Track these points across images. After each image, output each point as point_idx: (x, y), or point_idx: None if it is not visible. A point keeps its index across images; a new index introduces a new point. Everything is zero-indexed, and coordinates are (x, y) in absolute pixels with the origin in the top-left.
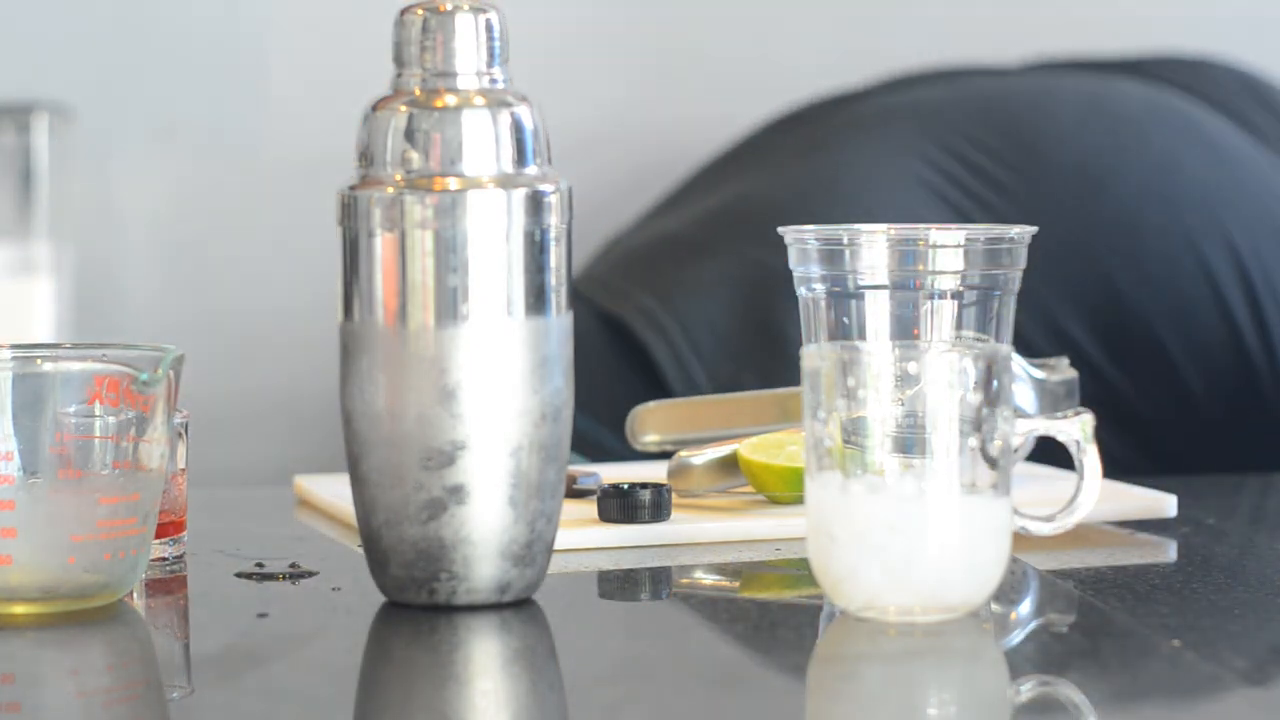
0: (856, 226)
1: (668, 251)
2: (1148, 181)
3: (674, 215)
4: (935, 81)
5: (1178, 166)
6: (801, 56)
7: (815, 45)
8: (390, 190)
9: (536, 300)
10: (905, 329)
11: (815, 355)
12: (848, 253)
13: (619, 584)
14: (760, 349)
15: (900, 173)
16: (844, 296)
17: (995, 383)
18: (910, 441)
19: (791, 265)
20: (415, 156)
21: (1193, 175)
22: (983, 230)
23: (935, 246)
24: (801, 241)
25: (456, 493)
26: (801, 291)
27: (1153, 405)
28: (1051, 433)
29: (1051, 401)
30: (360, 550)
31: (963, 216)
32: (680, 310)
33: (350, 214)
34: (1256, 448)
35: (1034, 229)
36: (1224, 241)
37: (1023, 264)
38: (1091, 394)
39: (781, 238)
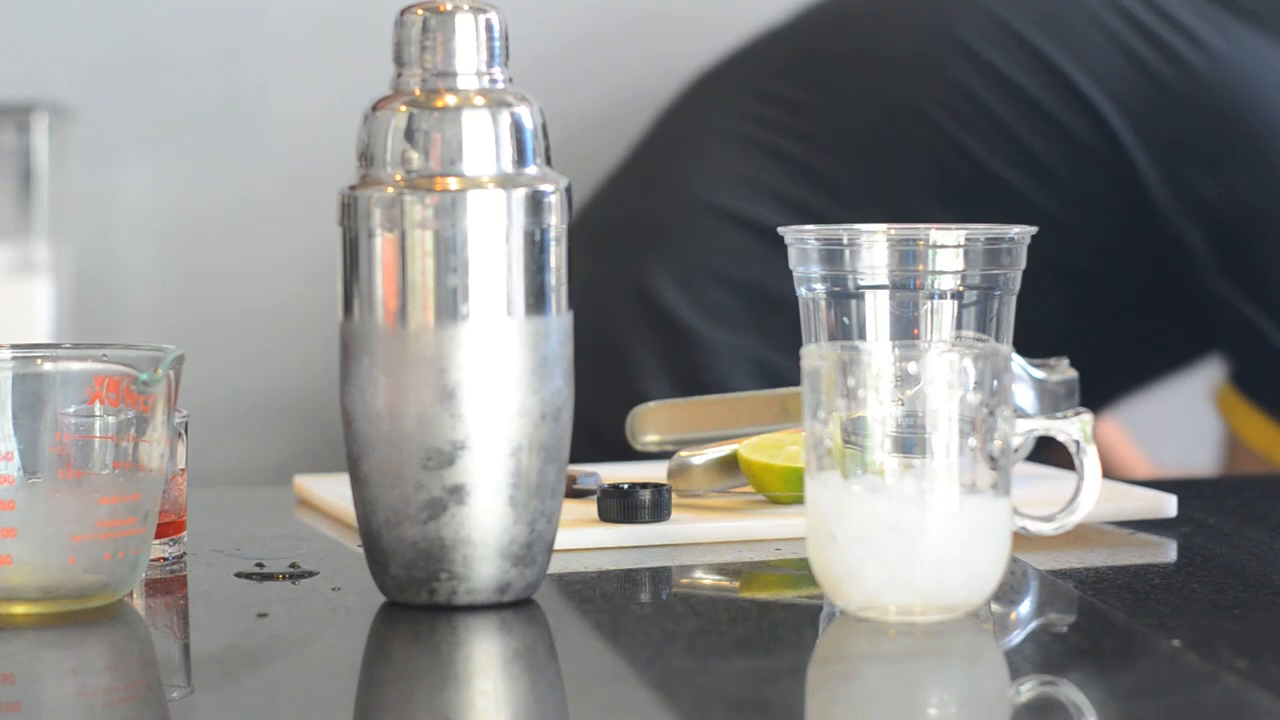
0: (856, 226)
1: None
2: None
3: None
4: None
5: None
6: None
7: None
8: (390, 190)
9: (536, 300)
10: (905, 329)
11: (815, 355)
12: (847, 252)
13: (619, 584)
14: (602, 366)
15: (719, 135)
16: (844, 296)
17: (995, 382)
18: (910, 441)
19: (791, 265)
20: (415, 156)
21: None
22: (983, 230)
23: (935, 246)
24: (801, 241)
25: (456, 493)
26: (801, 291)
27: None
28: (1052, 432)
29: (1051, 401)
30: (360, 550)
31: (781, 158)
32: None
33: (350, 214)
34: None
35: (1034, 229)
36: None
37: (1022, 264)
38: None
39: (621, 249)
